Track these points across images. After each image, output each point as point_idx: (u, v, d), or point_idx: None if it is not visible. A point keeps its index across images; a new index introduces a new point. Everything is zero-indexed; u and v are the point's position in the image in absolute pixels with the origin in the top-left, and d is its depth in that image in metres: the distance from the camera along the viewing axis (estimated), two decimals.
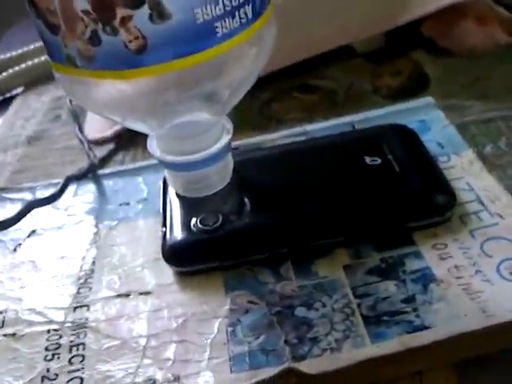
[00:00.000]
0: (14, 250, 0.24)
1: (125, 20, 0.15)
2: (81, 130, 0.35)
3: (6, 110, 0.44)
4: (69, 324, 0.20)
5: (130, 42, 0.15)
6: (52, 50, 0.17)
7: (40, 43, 0.44)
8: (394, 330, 0.18)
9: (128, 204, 0.26)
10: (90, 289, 0.22)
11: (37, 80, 0.45)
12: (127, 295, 0.21)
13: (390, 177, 0.22)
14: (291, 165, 0.24)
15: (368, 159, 0.23)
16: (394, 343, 0.17)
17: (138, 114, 0.19)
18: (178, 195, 0.24)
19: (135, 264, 0.23)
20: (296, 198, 0.23)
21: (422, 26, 0.35)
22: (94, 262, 0.23)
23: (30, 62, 0.45)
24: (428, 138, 0.26)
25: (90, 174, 0.28)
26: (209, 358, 0.18)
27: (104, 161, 0.33)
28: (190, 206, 0.23)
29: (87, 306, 0.21)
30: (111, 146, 0.35)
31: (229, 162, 0.23)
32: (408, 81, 0.35)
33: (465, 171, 0.24)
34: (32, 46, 0.48)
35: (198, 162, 0.21)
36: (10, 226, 0.23)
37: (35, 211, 0.25)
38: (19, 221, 0.23)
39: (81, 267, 0.23)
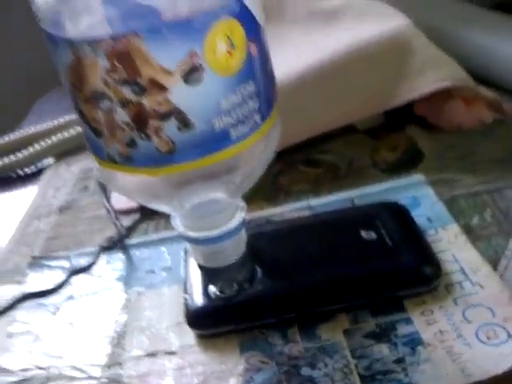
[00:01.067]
0: (54, 313, 0.28)
1: (157, 129, 0.19)
2: (108, 200, 0.39)
3: (37, 180, 0.48)
4: (105, 380, 0.23)
5: (161, 146, 0.19)
6: (94, 148, 0.21)
7: (70, 117, 0.49)
8: None
9: (153, 272, 0.29)
10: (123, 348, 0.25)
11: (67, 151, 0.49)
12: (155, 355, 0.24)
13: (383, 250, 0.26)
14: (297, 238, 0.28)
15: (364, 234, 0.27)
16: None
17: (164, 200, 0.23)
18: (198, 265, 0.27)
19: (161, 327, 0.26)
20: (302, 268, 0.26)
21: (415, 105, 0.39)
22: (125, 325, 0.26)
23: (60, 135, 0.49)
24: (418, 213, 0.29)
25: (119, 243, 0.32)
26: None
27: (130, 229, 0.37)
28: (208, 274, 0.26)
29: (120, 363, 0.24)
30: (136, 215, 0.38)
31: (243, 236, 0.26)
32: (403, 155, 0.39)
33: (450, 244, 0.27)
34: (62, 119, 0.52)
35: (216, 237, 0.25)
36: (52, 293, 0.26)
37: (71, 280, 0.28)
38: (60, 288, 0.27)
39: (114, 329, 0.26)
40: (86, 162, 0.48)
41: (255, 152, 0.22)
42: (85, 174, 0.46)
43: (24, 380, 0.24)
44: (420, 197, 0.30)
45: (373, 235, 0.26)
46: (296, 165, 0.40)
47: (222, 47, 0.18)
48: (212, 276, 0.26)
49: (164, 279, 0.29)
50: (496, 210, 0.32)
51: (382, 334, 0.23)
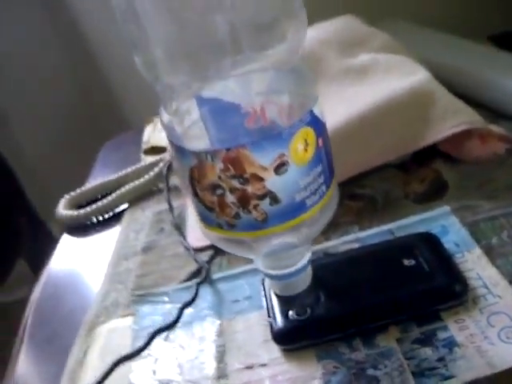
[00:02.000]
0: (166, 339, 0.36)
1: (255, 206, 0.27)
2: (185, 239, 0.47)
3: (113, 223, 0.56)
4: None
5: (258, 217, 0.27)
6: (205, 219, 0.29)
7: (137, 166, 0.57)
8: (432, 380, 0.28)
9: (238, 301, 0.37)
10: (226, 363, 0.33)
11: (138, 197, 0.57)
12: (251, 367, 0.32)
13: (422, 274, 0.33)
14: (351, 267, 0.35)
15: (406, 261, 0.34)
16: None
17: (255, 253, 0.31)
18: (275, 294, 0.35)
19: (252, 345, 0.33)
20: (358, 292, 0.33)
21: (439, 143, 0.46)
22: (223, 345, 0.34)
23: (132, 183, 0.58)
24: (447, 239, 0.37)
25: (206, 276, 0.40)
26: None
27: (208, 264, 0.44)
28: (284, 301, 0.34)
29: (227, 375, 0.32)
30: (210, 251, 0.46)
31: (309, 269, 0.34)
32: (431, 187, 0.46)
33: (474, 264, 0.34)
34: (133, 168, 0.60)
35: (291, 274, 0.32)
36: (171, 328, 0.34)
37: (172, 310, 0.36)
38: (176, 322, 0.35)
39: (216, 349, 0.34)
40: (156, 207, 0.56)
41: (322, 211, 0.29)
42: (158, 217, 0.54)
43: None
44: (448, 225, 0.38)
45: (412, 262, 0.34)
46: (341, 199, 0.48)
47: (301, 147, 0.26)
48: (287, 302, 0.34)
49: (247, 307, 0.36)
50: (511, 231, 0.39)
51: (426, 340, 0.30)
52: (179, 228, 0.49)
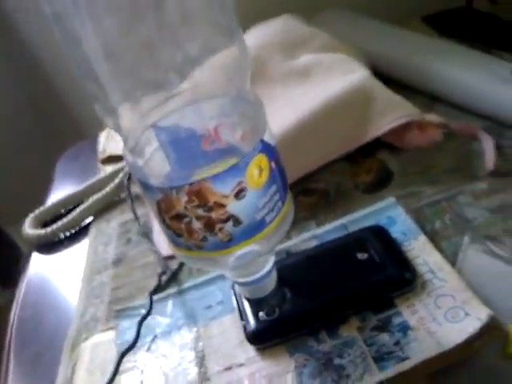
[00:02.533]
0: (148, 350, 0.38)
1: (220, 229, 0.29)
2: (154, 247, 0.50)
3: (80, 237, 0.58)
4: None
5: (223, 238, 0.30)
6: (174, 241, 0.32)
7: (98, 178, 0.59)
8: (390, 362, 0.32)
9: (211, 307, 0.40)
10: (206, 367, 0.36)
11: (103, 209, 0.59)
12: (230, 368, 0.35)
13: (374, 266, 0.37)
14: (311, 265, 0.38)
15: (359, 255, 0.38)
16: (392, 370, 0.31)
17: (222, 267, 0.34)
18: (245, 297, 0.38)
19: (229, 347, 0.37)
20: (319, 288, 0.37)
21: (382, 135, 0.50)
22: (202, 350, 0.37)
23: (96, 196, 0.59)
24: (395, 230, 0.40)
25: (172, 279, 0.42)
26: None
27: (178, 270, 0.47)
28: (254, 303, 0.37)
29: (209, 378, 0.35)
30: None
31: (274, 272, 0.37)
32: (377, 176, 0.50)
33: (420, 251, 0.38)
34: (93, 180, 0.62)
35: (258, 279, 0.35)
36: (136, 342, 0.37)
37: (151, 322, 0.39)
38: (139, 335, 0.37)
39: (195, 355, 0.37)
40: (121, 217, 0.58)
41: (281, 223, 0.32)
42: (124, 228, 0.56)
43: None
44: (394, 216, 0.41)
45: (365, 256, 0.37)
46: (296, 195, 0.51)
47: (256, 173, 0.29)
48: (257, 304, 0.37)
49: (221, 311, 0.39)
50: (452, 214, 0.43)
51: (383, 326, 0.34)
52: (147, 236, 0.51)
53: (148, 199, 0.30)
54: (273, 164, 0.30)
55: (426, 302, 0.34)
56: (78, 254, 0.56)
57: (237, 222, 0.29)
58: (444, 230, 0.42)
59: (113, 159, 0.67)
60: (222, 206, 0.28)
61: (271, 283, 0.36)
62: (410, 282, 0.36)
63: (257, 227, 0.30)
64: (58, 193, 0.68)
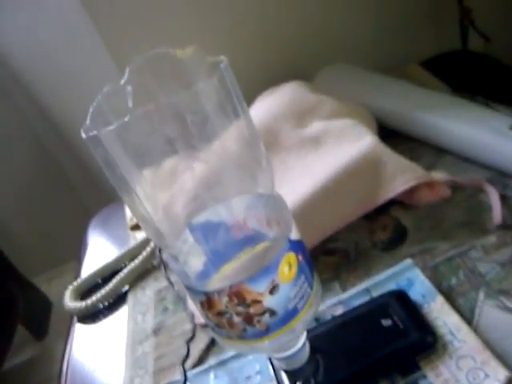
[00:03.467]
0: None
1: (258, 321, 0.33)
2: (191, 316, 0.53)
3: (118, 306, 0.62)
4: None
5: (261, 328, 0.33)
6: (217, 332, 0.35)
7: (130, 247, 0.63)
8: None
9: (250, 377, 0.43)
10: None
11: (138, 277, 0.63)
12: None
13: (398, 332, 0.40)
14: (340, 333, 0.42)
15: (383, 322, 0.41)
16: None
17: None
18: (282, 369, 0.41)
19: None
20: (349, 355, 0.40)
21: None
22: None
23: (130, 265, 0.63)
24: (414, 292, 0.44)
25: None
26: None
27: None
28: (291, 374, 0.40)
29: None
30: None
31: (307, 344, 0.40)
32: (393, 233, 0.53)
33: (439, 312, 0.42)
34: (126, 249, 0.66)
35: (293, 354, 0.39)
36: None
37: None
38: None
39: None
40: (156, 284, 0.62)
41: (312, 306, 0.36)
42: (159, 296, 0.60)
43: None
44: (412, 277, 0.45)
45: (389, 322, 0.41)
46: (317, 256, 0.54)
47: (286, 270, 0.32)
48: (293, 374, 0.40)
49: (260, 381, 0.43)
50: (466, 270, 0.46)
51: None
52: (185, 303, 0.55)
53: (192, 298, 0.34)
54: (300, 257, 0.34)
55: (448, 364, 0.38)
56: (118, 323, 0.59)
57: (272, 313, 0.33)
58: (459, 286, 0.45)
59: None
60: (259, 302, 0.32)
61: (305, 355, 0.40)
62: (431, 345, 0.39)
63: (291, 315, 0.34)
64: (92, 259, 0.72)
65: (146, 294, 0.61)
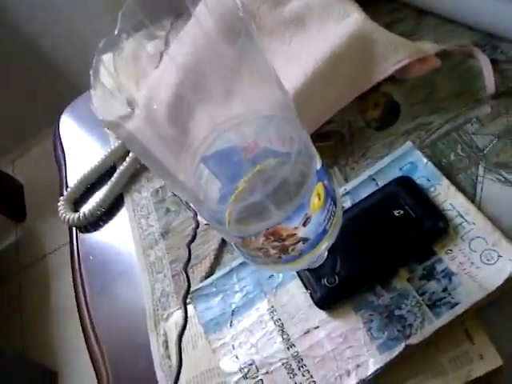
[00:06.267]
0: (231, 325, 0.45)
1: (293, 249, 0.34)
2: (196, 215, 0.54)
3: (116, 210, 0.62)
4: (291, 356, 0.41)
5: (295, 253, 0.35)
6: (251, 260, 0.36)
7: (114, 148, 0.61)
8: (443, 309, 0.39)
9: (272, 276, 0.46)
10: (288, 334, 0.43)
11: (129, 179, 0.63)
12: (308, 331, 0.42)
13: (411, 220, 0.42)
14: (354, 228, 0.43)
15: (395, 212, 0.43)
16: (447, 316, 0.38)
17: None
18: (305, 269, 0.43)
19: (300, 312, 0.43)
20: (367, 248, 0.42)
21: None
22: (280, 319, 0.44)
23: (119, 168, 0.62)
24: (419, 175, 0.45)
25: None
26: (367, 350, 0.39)
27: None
28: (314, 273, 0.43)
29: (293, 344, 0.42)
30: None
31: None
32: (385, 110, 0.53)
33: (446, 195, 0.43)
34: (110, 150, 0.64)
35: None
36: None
37: (225, 298, 0.45)
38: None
39: (275, 323, 0.44)
40: (150, 185, 0.61)
41: (338, 220, 0.37)
42: (157, 198, 0.60)
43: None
44: (415, 161, 0.46)
45: (401, 212, 0.43)
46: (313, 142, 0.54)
47: (316, 200, 0.33)
48: (316, 273, 0.43)
49: (283, 279, 0.45)
50: (464, 144, 0.48)
51: (429, 275, 0.40)
52: (189, 206, 0.55)
53: (224, 237, 0.34)
54: (325, 182, 0.34)
55: (461, 246, 0.40)
56: (120, 229, 0.60)
57: (305, 240, 0.34)
58: (459, 162, 0.47)
59: None
60: (294, 235, 0.33)
61: (325, 254, 0.42)
62: (444, 230, 0.41)
63: (321, 235, 0.35)
64: (74, 163, 0.71)
65: (143, 197, 0.61)
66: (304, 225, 0.33)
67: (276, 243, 0.33)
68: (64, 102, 0.76)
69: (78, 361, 1.22)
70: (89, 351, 0.54)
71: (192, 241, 0.52)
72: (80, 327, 0.55)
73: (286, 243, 0.33)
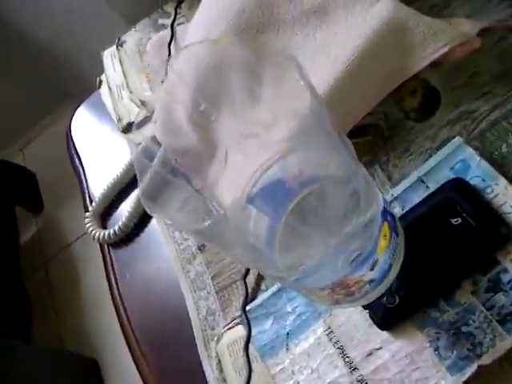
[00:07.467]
0: (287, 350, 0.43)
1: (360, 291, 0.32)
2: None
3: (144, 222, 0.60)
4: (356, 380, 0.40)
5: (360, 294, 0.33)
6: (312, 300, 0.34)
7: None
8: None
9: None
10: (349, 357, 0.41)
11: None
12: (371, 353, 0.40)
13: (470, 229, 0.39)
14: (410, 240, 0.41)
15: (453, 221, 0.40)
16: None
17: None
18: None
19: (360, 332, 0.41)
20: (426, 261, 0.40)
21: None
22: (338, 341, 0.42)
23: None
24: (472, 175, 0.42)
25: None
26: (437, 372, 0.38)
27: None
28: None
29: (356, 367, 0.40)
30: None
31: None
32: (424, 97, 0.50)
33: (505, 196, 0.41)
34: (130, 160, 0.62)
35: None
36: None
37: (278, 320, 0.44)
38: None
39: (334, 346, 0.42)
40: (177, 195, 0.59)
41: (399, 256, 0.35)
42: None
43: None
44: (467, 159, 0.43)
45: (459, 220, 0.40)
46: (349, 138, 0.51)
47: (383, 242, 0.30)
48: None
49: None
50: None
51: (495, 286, 0.38)
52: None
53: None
54: (389, 218, 0.31)
55: None
56: (153, 243, 0.58)
57: (372, 281, 0.32)
58: (511, 152, 0.43)
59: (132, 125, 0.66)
60: (360, 280, 0.31)
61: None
62: (507, 237, 0.39)
63: (387, 272, 0.33)
64: (93, 174, 0.68)
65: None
66: (371, 269, 0.30)
67: (343, 291, 0.31)
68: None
69: (116, 347, 1.23)
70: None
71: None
72: (115, 313, 0.55)
73: (353, 289, 0.31)
